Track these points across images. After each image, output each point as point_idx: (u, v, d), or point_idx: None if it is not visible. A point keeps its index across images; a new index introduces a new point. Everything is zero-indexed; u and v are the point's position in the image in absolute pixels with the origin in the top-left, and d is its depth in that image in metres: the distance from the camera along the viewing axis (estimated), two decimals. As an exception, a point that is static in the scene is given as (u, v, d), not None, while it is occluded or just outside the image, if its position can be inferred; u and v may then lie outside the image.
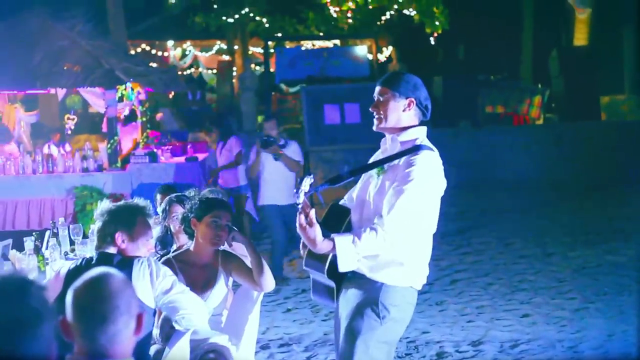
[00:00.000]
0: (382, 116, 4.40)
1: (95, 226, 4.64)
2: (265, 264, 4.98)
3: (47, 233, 6.83)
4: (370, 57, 20.06)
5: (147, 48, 24.32)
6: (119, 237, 4.52)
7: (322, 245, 4.13)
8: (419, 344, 7.56)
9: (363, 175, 4.50)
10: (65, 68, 12.48)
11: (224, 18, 22.08)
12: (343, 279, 4.44)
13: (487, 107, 20.93)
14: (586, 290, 9.13)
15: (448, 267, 10.32)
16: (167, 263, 5.00)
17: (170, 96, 19.83)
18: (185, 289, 4.57)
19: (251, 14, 22.45)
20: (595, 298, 8.82)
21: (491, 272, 10.18)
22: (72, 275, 4.51)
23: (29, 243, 6.78)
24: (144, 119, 14.68)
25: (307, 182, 4.17)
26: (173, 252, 5.34)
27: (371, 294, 4.31)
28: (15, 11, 13.47)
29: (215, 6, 22.24)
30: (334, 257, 4.16)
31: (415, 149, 4.28)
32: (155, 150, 13.13)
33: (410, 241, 4.22)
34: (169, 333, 4.83)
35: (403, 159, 4.28)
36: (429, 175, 4.24)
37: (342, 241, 4.11)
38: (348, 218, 4.47)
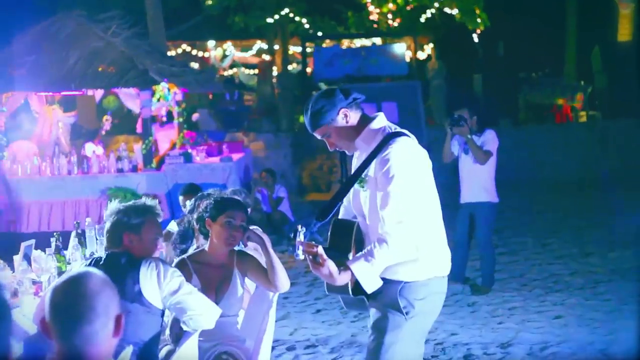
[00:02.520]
0: (343, 145, 4.35)
1: (105, 227, 4.61)
2: (280, 264, 4.90)
3: (73, 233, 6.85)
4: (409, 55, 19.94)
5: (188, 49, 24.42)
6: (127, 237, 4.49)
7: (341, 278, 4.06)
8: (446, 346, 7.42)
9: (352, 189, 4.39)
10: (100, 69, 12.56)
11: (263, 18, 22.06)
12: None
13: (527, 104, 20.68)
14: (622, 291, 8.90)
15: (482, 268, 10.14)
16: (181, 264, 4.96)
17: (210, 97, 19.89)
18: (193, 289, 4.52)
19: (291, 15, 22.42)
20: (631, 300, 8.60)
21: (526, 272, 10.01)
22: (82, 275, 4.49)
23: (54, 243, 6.81)
24: (181, 120, 14.70)
25: (301, 233, 4.09)
26: (188, 253, 5.28)
27: (394, 293, 4.24)
28: (53, 12, 13.58)
29: (254, 4, 22.24)
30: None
31: (383, 143, 4.17)
32: (190, 150, 13.15)
33: (419, 235, 4.11)
34: (179, 334, 4.79)
35: (376, 160, 4.18)
36: (406, 164, 4.12)
37: (359, 267, 4.04)
38: (354, 230, 4.33)
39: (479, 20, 21.60)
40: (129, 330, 4.30)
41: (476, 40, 23.61)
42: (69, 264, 6.19)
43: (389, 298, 4.24)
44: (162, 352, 4.82)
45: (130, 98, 13.37)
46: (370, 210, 4.24)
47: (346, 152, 4.42)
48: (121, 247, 4.51)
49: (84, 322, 2.50)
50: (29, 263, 6.10)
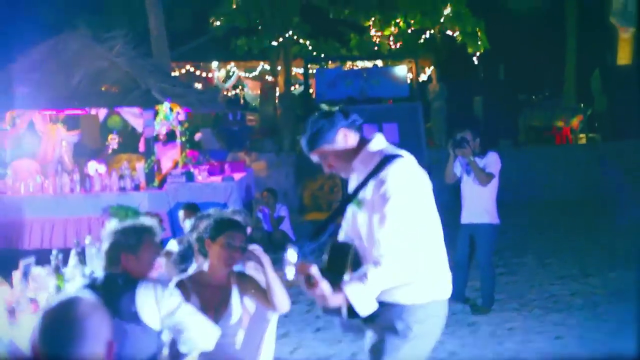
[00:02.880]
0: (340, 167, 4.33)
1: (103, 247, 4.62)
2: (280, 285, 4.91)
3: (72, 252, 6.87)
4: (410, 77, 20.03)
5: (192, 69, 24.51)
6: (125, 257, 4.49)
7: (334, 300, 3.98)
8: (447, 366, 7.45)
9: (349, 210, 4.36)
10: (103, 89, 12.64)
11: (267, 41, 22.17)
12: None
13: (528, 126, 20.74)
14: (622, 312, 8.90)
15: (482, 288, 10.16)
16: (180, 284, 4.93)
17: (214, 115, 19.94)
18: (191, 310, 4.51)
19: (294, 37, 22.53)
20: (631, 321, 8.59)
21: (526, 293, 10.02)
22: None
23: (54, 261, 6.84)
24: (183, 139, 14.75)
25: (292, 254, 4.06)
26: (187, 273, 5.29)
27: (391, 316, 4.18)
28: (58, 32, 13.67)
29: (259, 28, 22.34)
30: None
31: (381, 165, 4.13)
32: (192, 169, 13.20)
33: (417, 257, 4.05)
34: (177, 354, 4.78)
35: (373, 181, 4.14)
36: (404, 185, 4.07)
37: (353, 289, 3.96)
38: (351, 253, 4.26)
39: (479, 42, 21.70)
40: (127, 351, 4.31)
41: (477, 63, 23.74)
42: (68, 282, 6.21)
43: (387, 321, 4.18)
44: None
45: (133, 117, 13.43)
46: (367, 232, 4.18)
47: (342, 175, 4.39)
48: (119, 267, 4.51)
49: (73, 347, 2.49)
50: (27, 281, 6.13)
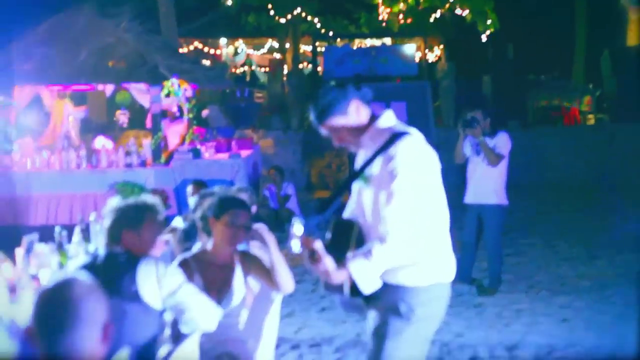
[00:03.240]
0: (350, 140, 4.22)
1: (105, 224, 4.56)
2: (284, 265, 4.85)
3: (77, 228, 6.81)
4: (418, 55, 19.90)
5: (200, 46, 24.39)
6: (126, 235, 4.43)
7: (337, 276, 3.91)
8: (452, 348, 7.39)
9: (355, 185, 4.28)
10: (110, 65, 12.58)
11: (276, 18, 22.05)
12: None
13: (536, 106, 20.62)
14: (629, 295, 8.84)
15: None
16: (183, 263, 4.88)
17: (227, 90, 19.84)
18: (193, 290, 4.44)
19: (303, 14, 22.39)
20: (638, 303, 8.55)
21: (533, 274, 9.97)
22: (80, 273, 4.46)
23: (57, 238, 6.79)
24: (190, 116, 14.70)
25: (298, 227, 3.98)
26: (191, 251, 5.23)
27: (394, 298, 4.11)
28: (65, 7, 13.57)
29: (269, 6, 22.21)
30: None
31: (390, 141, 4.04)
32: (199, 146, 13.15)
33: (422, 237, 3.96)
34: (179, 334, 4.73)
35: (381, 157, 4.05)
36: (413, 163, 3.97)
37: (357, 265, 3.88)
38: (355, 230, 4.18)
39: (489, 21, 21.54)
40: (127, 331, 4.26)
41: (486, 42, 23.58)
42: (71, 259, 6.16)
43: (390, 302, 4.11)
44: (162, 352, 4.78)
45: (140, 93, 13.37)
46: (373, 208, 4.10)
47: (352, 149, 4.31)
48: (120, 245, 4.46)
49: (68, 329, 2.44)
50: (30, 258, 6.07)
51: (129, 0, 15.79)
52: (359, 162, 4.31)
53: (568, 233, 12.13)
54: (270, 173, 13.30)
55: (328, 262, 3.89)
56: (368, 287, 3.94)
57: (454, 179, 9.44)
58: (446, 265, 4.21)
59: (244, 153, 13.52)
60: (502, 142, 8.94)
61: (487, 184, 8.99)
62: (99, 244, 6.48)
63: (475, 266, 9.45)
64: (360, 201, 4.25)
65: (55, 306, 2.46)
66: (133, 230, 4.44)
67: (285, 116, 18.61)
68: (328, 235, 4.22)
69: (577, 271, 10.01)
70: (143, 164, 12.47)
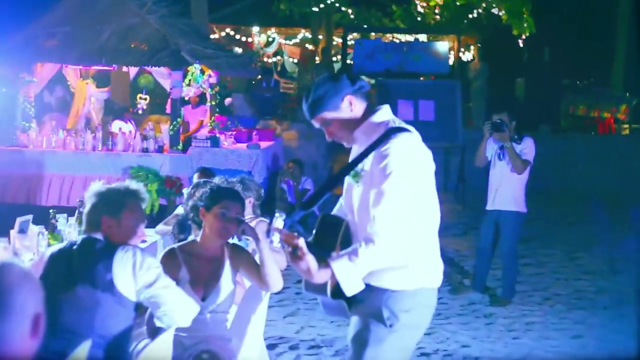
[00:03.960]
0: (342, 136, 3.99)
1: (85, 208, 4.33)
2: (275, 262, 4.62)
3: (77, 211, 6.64)
4: (451, 54, 19.55)
5: (232, 32, 24.16)
6: (105, 221, 4.21)
7: (320, 276, 3.68)
8: (456, 358, 7.09)
9: (345, 181, 4.04)
10: (132, 46, 12.37)
11: (308, 7, 21.79)
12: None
13: (570, 112, 20.19)
14: (649, 314, 8.51)
15: (505, 278, 9.77)
16: (170, 253, 4.70)
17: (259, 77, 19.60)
18: (170, 283, 4.22)
19: (337, 4, 22.11)
20: (657, 324, 8.20)
21: (550, 286, 9.62)
22: (55, 258, 4.25)
23: (61, 220, 6.61)
24: (213, 103, 14.49)
25: (279, 220, 3.73)
26: (178, 243, 5.01)
27: (377, 302, 3.88)
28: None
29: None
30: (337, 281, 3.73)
31: (384, 137, 3.80)
32: (218, 135, 12.93)
33: (411, 240, 3.73)
34: (155, 329, 4.51)
35: (373, 154, 3.81)
36: (406, 162, 3.73)
37: (341, 266, 3.65)
38: (342, 228, 3.98)
39: (525, 24, 21.12)
40: (97, 323, 4.04)
41: (521, 44, 23.18)
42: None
43: (372, 307, 3.89)
44: (139, 347, 4.56)
45: (161, 77, 13.18)
46: (361, 207, 3.88)
47: (344, 144, 4.07)
48: (99, 231, 4.23)
49: None
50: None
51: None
52: (352, 157, 4.06)
53: (591, 245, 11.72)
54: (289, 166, 13.02)
55: (310, 260, 3.65)
56: (351, 289, 3.71)
57: (480, 182, 9.16)
58: (434, 270, 3.99)
59: (264, 144, 13.28)
60: (528, 148, 8.63)
61: (506, 190, 8.69)
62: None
63: (490, 274, 9.15)
64: (349, 198, 4.02)
65: None
66: (112, 216, 4.23)
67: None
68: (314, 230, 4.02)
69: (597, 286, 9.64)
70: (160, 149, 12.27)
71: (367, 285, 3.81)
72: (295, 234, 3.71)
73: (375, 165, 3.77)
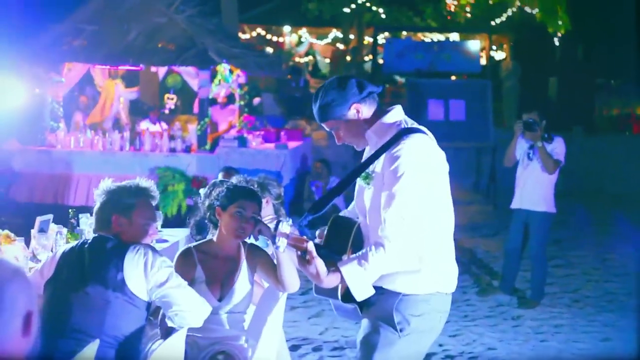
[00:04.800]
0: (352, 141, 3.92)
1: (95, 207, 4.28)
2: (292, 263, 4.52)
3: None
4: (483, 53, 19.36)
5: (263, 32, 24.14)
6: (116, 220, 4.15)
7: (329, 280, 3.62)
8: (481, 361, 6.97)
9: (357, 183, 3.93)
10: (159, 46, 12.36)
11: (338, 7, 21.71)
12: None
13: (604, 112, 19.91)
14: (680, 318, 8.31)
15: (535, 279, 9.61)
16: (186, 253, 4.64)
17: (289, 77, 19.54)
18: (181, 283, 4.15)
19: (367, 4, 21.99)
20: (689, 328, 8.00)
21: (580, 288, 9.44)
22: (66, 257, 4.20)
23: (83, 219, 6.57)
24: (242, 103, 14.44)
25: (284, 225, 3.66)
26: (195, 242, 4.93)
27: (389, 306, 3.78)
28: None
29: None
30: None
31: (395, 138, 3.70)
32: (246, 135, 12.87)
33: (424, 244, 3.65)
34: (169, 329, 4.44)
35: (385, 155, 3.70)
36: (418, 163, 3.63)
37: (350, 270, 3.58)
38: (354, 231, 3.89)
39: (560, 22, 20.86)
40: (108, 323, 3.99)
41: (554, 42, 22.90)
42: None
43: (383, 311, 3.79)
44: (154, 347, 4.49)
45: (189, 77, 13.15)
46: (372, 209, 3.77)
47: (355, 147, 3.98)
48: (109, 230, 4.17)
49: None
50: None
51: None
52: (364, 158, 3.96)
53: (623, 247, 11.48)
54: (316, 166, 12.94)
55: (319, 264, 3.59)
56: (361, 293, 3.64)
57: (512, 183, 9.02)
58: (448, 275, 3.87)
59: (292, 144, 13.21)
60: (559, 148, 8.49)
61: (536, 190, 8.56)
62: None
63: (519, 276, 9.01)
64: (360, 200, 3.92)
65: None
66: (123, 215, 4.18)
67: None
68: (325, 232, 3.97)
69: (627, 288, 9.43)
70: (187, 149, 12.24)
71: (379, 288, 3.74)
72: (305, 237, 3.67)
73: (387, 167, 3.68)
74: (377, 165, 3.76)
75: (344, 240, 3.86)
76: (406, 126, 3.79)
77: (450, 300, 3.90)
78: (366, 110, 3.85)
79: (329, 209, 3.97)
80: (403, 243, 3.57)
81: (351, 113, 3.82)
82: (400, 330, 3.76)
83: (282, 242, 3.69)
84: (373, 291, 3.66)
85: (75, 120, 13.63)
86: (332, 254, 3.72)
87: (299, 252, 3.64)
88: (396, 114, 3.87)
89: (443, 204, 3.78)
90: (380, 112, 3.87)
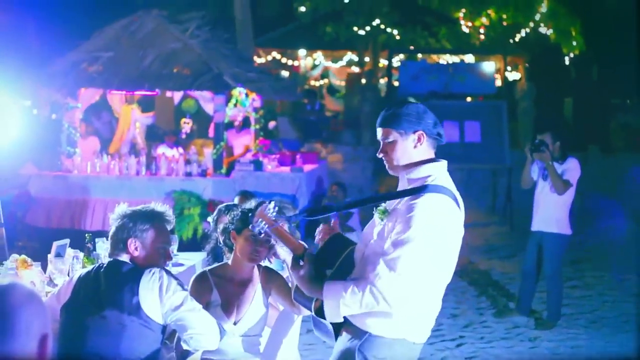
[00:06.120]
0: (392, 159, 3.85)
1: (110, 231, 4.32)
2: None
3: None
4: (498, 74, 19.39)
5: (278, 56, 24.25)
6: (132, 244, 4.19)
7: (313, 290, 3.74)
8: (498, 383, 6.95)
9: (375, 213, 3.92)
10: (175, 71, 12.45)
11: (354, 29, 21.80)
12: None
13: (620, 132, 19.86)
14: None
15: (552, 301, 9.56)
16: (202, 277, 4.67)
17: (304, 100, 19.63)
18: (196, 306, 4.18)
19: (382, 26, 22.08)
20: None
21: (597, 309, 9.40)
22: (82, 281, 4.24)
23: (100, 244, 6.60)
24: (257, 127, 14.50)
25: (268, 207, 3.74)
26: (210, 266, 4.96)
27: (353, 344, 3.79)
28: (133, 10, 13.51)
29: (346, 13, 22.03)
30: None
31: (420, 190, 3.68)
32: (261, 158, 12.92)
33: (408, 294, 3.62)
34: (185, 352, 4.47)
35: (404, 201, 3.71)
36: (428, 224, 3.61)
37: (331, 290, 3.65)
38: (347, 252, 3.91)
39: (574, 43, 20.88)
40: (124, 346, 4.02)
41: (569, 63, 22.92)
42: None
43: (347, 350, 3.81)
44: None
45: (206, 101, 13.23)
46: (375, 243, 3.80)
47: (387, 166, 3.93)
48: (125, 254, 4.21)
49: (1, 342, 2.19)
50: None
51: (204, 7, 15.74)
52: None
53: (640, 267, 11.45)
54: (332, 189, 12.94)
55: (310, 272, 3.78)
56: (331, 316, 3.71)
57: (528, 204, 9.01)
58: (421, 326, 3.83)
59: (308, 167, 13.23)
60: (571, 169, 8.50)
61: (549, 211, 8.56)
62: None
63: (536, 297, 8.99)
64: (370, 230, 3.96)
65: None
66: (139, 239, 4.21)
67: (358, 131, 18.27)
68: (320, 244, 4.05)
69: (645, 309, 9.41)
70: (203, 173, 12.30)
71: (348, 321, 3.78)
72: (297, 238, 3.85)
73: (402, 214, 3.68)
74: (394, 205, 3.78)
75: (334, 257, 3.89)
76: (434, 182, 3.75)
77: (419, 350, 3.85)
78: (424, 146, 3.82)
79: (326, 219, 4.03)
80: (390, 293, 3.57)
81: (413, 136, 3.80)
82: None
83: (260, 225, 3.76)
84: (341, 320, 3.72)
85: (87, 146, 13.65)
86: (321, 265, 3.80)
87: (293, 255, 3.75)
88: (434, 168, 3.82)
89: (442, 265, 3.76)
90: (427, 159, 3.84)
